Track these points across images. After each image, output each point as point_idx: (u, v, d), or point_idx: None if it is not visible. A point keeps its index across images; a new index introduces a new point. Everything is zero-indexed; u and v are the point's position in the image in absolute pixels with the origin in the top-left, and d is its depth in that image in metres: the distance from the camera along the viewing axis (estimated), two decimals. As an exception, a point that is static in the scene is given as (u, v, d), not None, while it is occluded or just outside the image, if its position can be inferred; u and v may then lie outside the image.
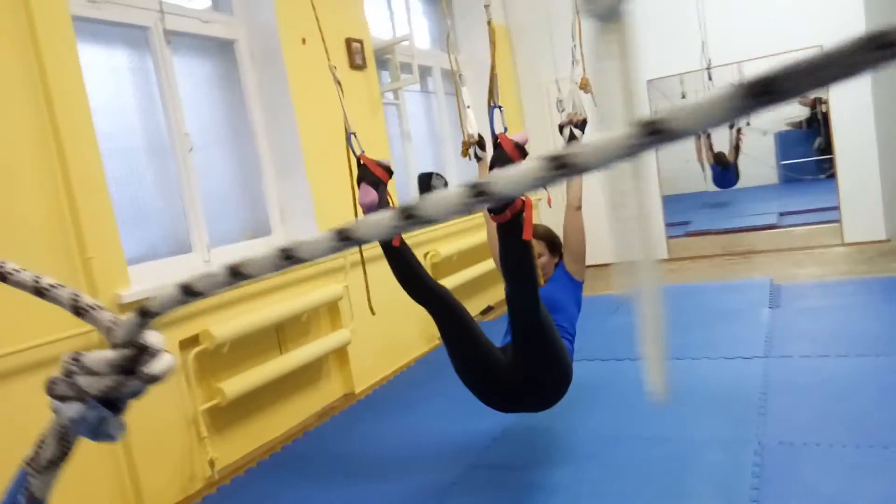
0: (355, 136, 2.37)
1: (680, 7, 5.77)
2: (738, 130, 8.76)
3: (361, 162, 2.30)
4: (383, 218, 0.45)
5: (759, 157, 10.60)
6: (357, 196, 2.29)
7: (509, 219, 1.97)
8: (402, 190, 5.00)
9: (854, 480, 1.94)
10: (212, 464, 2.84)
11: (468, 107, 2.82)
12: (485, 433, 2.74)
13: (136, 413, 2.52)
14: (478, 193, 0.42)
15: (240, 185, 3.61)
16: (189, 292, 0.54)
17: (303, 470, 2.82)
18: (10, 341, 2.22)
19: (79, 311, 0.64)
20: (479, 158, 2.82)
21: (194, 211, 3.21)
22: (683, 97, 5.68)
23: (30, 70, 2.37)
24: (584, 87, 2.54)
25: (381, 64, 4.65)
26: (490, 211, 2.07)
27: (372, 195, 2.22)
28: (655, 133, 0.36)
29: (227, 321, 2.95)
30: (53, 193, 2.41)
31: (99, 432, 0.61)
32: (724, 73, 5.78)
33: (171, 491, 2.70)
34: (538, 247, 2.76)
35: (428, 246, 4.61)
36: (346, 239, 0.46)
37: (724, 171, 8.65)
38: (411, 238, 4.26)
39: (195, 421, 2.81)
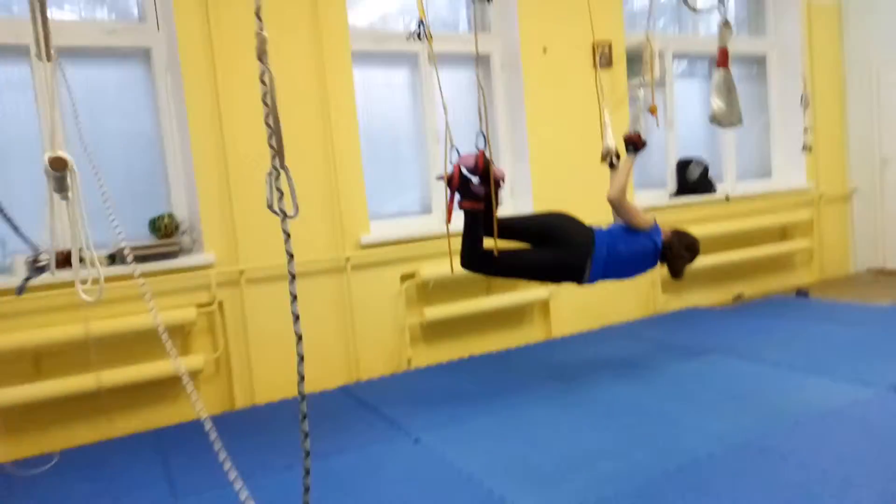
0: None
1: None
2: None
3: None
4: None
5: None
6: None
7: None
8: (660, 173, 5.39)
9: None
10: (409, 361, 4.11)
11: (607, 125, 3.44)
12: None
13: (365, 316, 4.12)
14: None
15: (482, 166, 4.69)
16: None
17: (476, 371, 3.93)
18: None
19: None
20: (612, 166, 3.45)
21: (439, 185, 4.42)
22: None
23: (320, 90, 3.85)
24: (653, 112, 2.95)
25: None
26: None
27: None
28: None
29: (435, 266, 4.10)
30: (324, 167, 3.87)
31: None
32: None
33: (379, 370, 4.06)
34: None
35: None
36: None
37: None
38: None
39: (403, 330, 4.10)
